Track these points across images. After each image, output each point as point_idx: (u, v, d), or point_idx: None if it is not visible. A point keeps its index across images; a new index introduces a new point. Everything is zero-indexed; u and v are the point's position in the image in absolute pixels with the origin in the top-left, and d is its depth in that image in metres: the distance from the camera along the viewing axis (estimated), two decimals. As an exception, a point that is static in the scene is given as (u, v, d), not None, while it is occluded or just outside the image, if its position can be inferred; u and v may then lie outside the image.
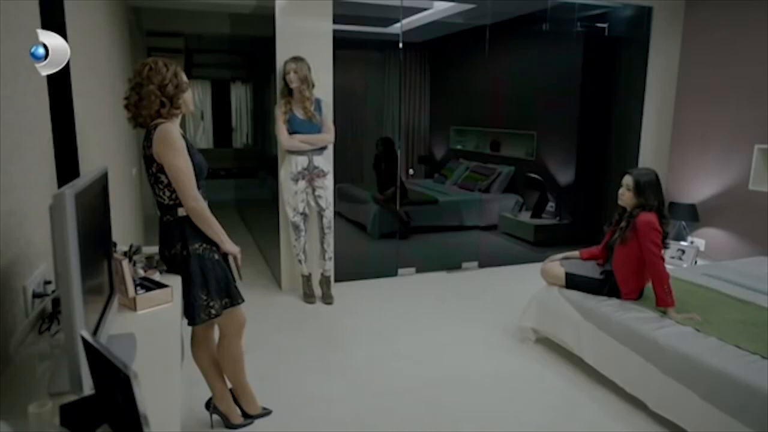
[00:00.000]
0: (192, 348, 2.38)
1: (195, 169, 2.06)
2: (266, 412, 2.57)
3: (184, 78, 2.08)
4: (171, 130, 1.99)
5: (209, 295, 2.13)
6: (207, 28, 6.83)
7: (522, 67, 6.16)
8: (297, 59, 3.83)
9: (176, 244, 2.10)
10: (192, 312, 2.12)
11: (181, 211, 2.07)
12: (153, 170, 2.04)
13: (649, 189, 2.90)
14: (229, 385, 2.49)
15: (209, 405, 2.48)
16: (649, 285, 2.99)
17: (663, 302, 2.83)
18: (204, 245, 2.12)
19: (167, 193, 2.06)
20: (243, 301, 2.26)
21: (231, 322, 2.29)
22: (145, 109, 2.00)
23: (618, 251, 3.02)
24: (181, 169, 1.99)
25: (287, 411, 2.62)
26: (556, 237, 5.57)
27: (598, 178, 5.55)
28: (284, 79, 3.84)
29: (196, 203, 2.04)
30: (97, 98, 3.22)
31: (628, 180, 2.96)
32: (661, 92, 5.16)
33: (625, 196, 2.97)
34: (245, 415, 2.52)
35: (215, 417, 2.48)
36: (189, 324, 2.16)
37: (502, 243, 5.80)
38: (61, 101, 2.11)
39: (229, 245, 2.20)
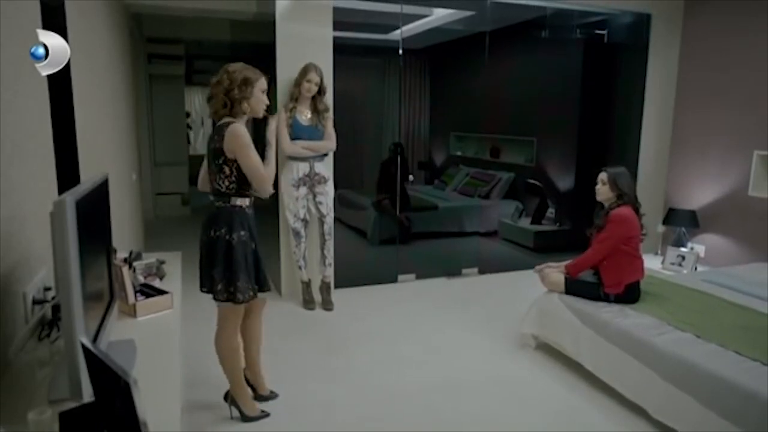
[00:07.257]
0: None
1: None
2: (264, 415, 2.60)
3: (259, 87, 2.34)
4: (241, 130, 2.25)
5: (249, 279, 2.35)
6: (207, 35, 6.84)
7: (522, 73, 6.17)
8: (317, 68, 3.81)
9: (222, 228, 2.30)
10: (234, 291, 2.32)
11: (234, 200, 2.30)
12: (219, 162, 2.27)
13: (622, 179, 3.09)
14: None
15: (227, 397, 2.56)
16: (643, 287, 3.12)
17: (572, 266, 3.21)
18: (248, 234, 2.33)
19: (226, 183, 2.29)
20: (269, 289, 2.51)
21: (232, 313, 2.42)
22: (212, 105, 2.32)
23: (596, 245, 3.13)
24: (254, 164, 2.25)
25: (288, 416, 2.61)
26: (556, 243, 5.56)
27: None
28: (298, 86, 3.82)
29: (268, 186, 2.30)
30: (98, 104, 3.23)
31: (602, 176, 3.15)
32: (660, 98, 5.17)
33: (602, 190, 3.15)
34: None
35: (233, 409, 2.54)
36: (235, 303, 2.35)
37: (502, 249, 5.79)
38: (62, 107, 2.13)
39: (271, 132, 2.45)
